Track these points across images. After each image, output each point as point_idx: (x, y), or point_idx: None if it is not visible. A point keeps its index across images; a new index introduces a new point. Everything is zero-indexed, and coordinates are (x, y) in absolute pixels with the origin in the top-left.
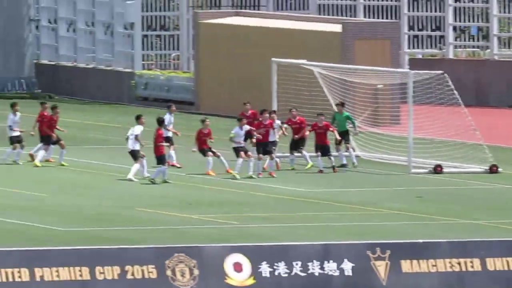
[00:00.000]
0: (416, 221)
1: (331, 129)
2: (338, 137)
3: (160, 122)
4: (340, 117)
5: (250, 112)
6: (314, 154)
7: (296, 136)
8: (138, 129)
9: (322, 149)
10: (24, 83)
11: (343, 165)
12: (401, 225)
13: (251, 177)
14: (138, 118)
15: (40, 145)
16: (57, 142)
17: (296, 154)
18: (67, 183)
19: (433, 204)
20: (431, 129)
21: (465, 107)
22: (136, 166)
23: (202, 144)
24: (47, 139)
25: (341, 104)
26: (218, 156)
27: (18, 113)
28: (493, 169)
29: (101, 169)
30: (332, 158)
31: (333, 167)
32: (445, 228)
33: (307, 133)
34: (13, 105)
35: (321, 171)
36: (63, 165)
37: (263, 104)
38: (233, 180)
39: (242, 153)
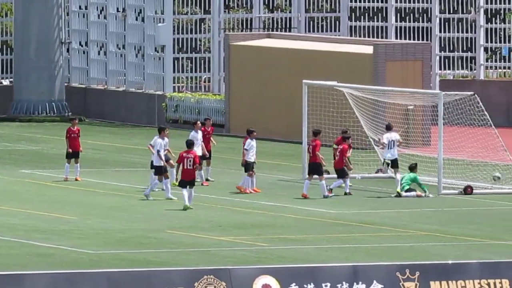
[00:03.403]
0: (446, 242)
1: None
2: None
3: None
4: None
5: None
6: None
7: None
8: (161, 143)
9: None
10: (54, 106)
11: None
12: (431, 246)
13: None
14: (161, 131)
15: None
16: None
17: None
18: (97, 205)
19: (463, 225)
20: (462, 150)
21: (496, 128)
22: (168, 183)
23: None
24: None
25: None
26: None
27: (166, 138)
28: None
29: (131, 192)
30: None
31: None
32: (475, 249)
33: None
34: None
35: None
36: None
37: (295, 125)
38: (262, 202)
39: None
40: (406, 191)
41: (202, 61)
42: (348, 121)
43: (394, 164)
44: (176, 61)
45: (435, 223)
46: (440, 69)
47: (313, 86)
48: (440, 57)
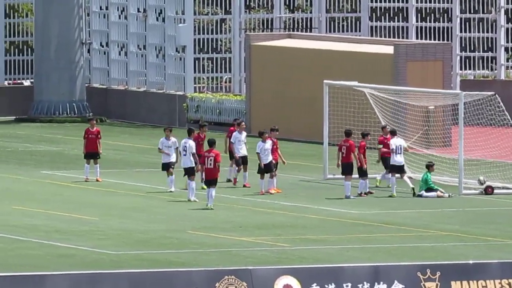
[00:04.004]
0: (467, 242)
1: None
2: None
3: (211, 143)
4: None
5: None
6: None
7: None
8: (193, 145)
9: (360, 170)
10: (75, 107)
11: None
12: (452, 246)
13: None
14: (191, 133)
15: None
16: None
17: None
18: (118, 206)
19: (484, 225)
20: (482, 150)
21: None
22: (192, 184)
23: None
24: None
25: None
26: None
27: (172, 138)
28: None
29: (151, 192)
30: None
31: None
32: (496, 249)
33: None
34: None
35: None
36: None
37: (316, 125)
38: (282, 203)
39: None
40: (427, 190)
41: (223, 61)
42: (369, 121)
43: (401, 170)
44: (197, 62)
45: (456, 223)
46: (461, 69)
47: (334, 86)
48: (460, 57)
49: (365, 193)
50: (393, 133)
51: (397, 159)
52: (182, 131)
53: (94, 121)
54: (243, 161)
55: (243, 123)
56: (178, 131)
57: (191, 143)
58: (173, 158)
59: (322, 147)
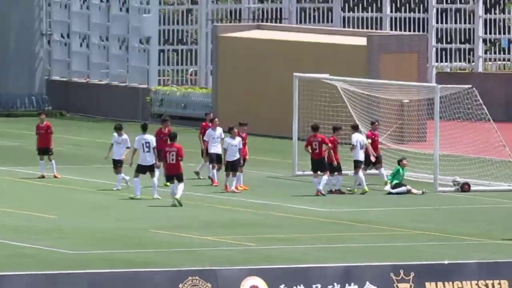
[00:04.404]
0: (442, 241)
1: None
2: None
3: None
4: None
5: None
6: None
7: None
8: (154, 140)
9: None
10: (34, 100)
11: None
12: (426, 246)
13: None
14: (145, 128)
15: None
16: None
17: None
18: (78, 203)
19: (460, 223)
20: (459, 145)
21: (494, 122)
22: (155, 181)
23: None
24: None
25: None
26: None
27: (124, 135)
28: None
29: (113, 189)
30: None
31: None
32: (472, 249)
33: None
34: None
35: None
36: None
37: (285, 120)
38: (250, 200)
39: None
40: (394, 187)
41: (189, 53)
42: (340, 116)
43: (362, 164)
44: (161, 54)
45: (431, 222)
46: (437, 61)
47: (304, 79)
48: (437, 49)
49: (336, 191)
50: (355, 128)
51: (360, 155)
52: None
53: (43, 115)
54: (217, 159)
55: (216, 119)
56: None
57: (152, 138)
58: (121, 155)
59: (291, 141)
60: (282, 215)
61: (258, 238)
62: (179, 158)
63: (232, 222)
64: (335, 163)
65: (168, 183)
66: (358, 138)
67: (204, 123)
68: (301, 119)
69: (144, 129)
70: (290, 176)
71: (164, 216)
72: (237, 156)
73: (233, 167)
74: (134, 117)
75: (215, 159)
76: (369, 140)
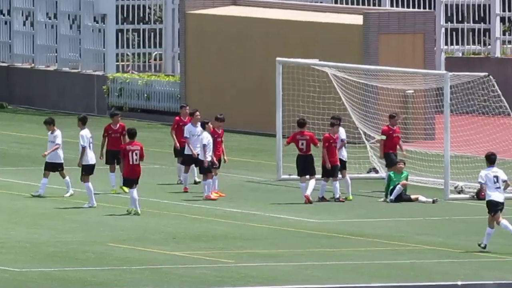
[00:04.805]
0: (454, 258)
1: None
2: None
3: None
4: (399, 177)
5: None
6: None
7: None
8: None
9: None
10: None
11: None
12: (436, 264)
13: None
14: (85, 122)
15: None
16: None
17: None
18: (24, 212)
19: (475, 237)
20: (473, 144)
21: None
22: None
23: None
24: None
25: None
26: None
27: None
28: None
29: (65, 195)
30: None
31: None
32: (490, 267)
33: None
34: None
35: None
36: None
37: (266, 112)
38: (226, 209)
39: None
40: (391, 193)
41: (152, 33)
42: (332, 108)
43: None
44: (120, 34)
45: (441, 235)
46: (446, 44)
47: (289, 64)
48: (446, 29)
49: (332, 198)
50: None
51: (345, 153)
52: (102, 121)
53: None
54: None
55: (197, 112)
56: (96, 120)
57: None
58: (58, 157)
59: (275, 140)
60: (264, 227)
61: (236, 254)
62: (141, 159)
63: (205, 235)
64: (329, 165)
65: (125, 188)
66: (341, 135)
67: (177, 117)
68: (286, 113)
69: (84, 123)
70: (274, 181)
71: (125, 227)
72: (199, 147)
73: (206, 169)
74: (87, 110)
75: (191, 162)
76: (383, 137)
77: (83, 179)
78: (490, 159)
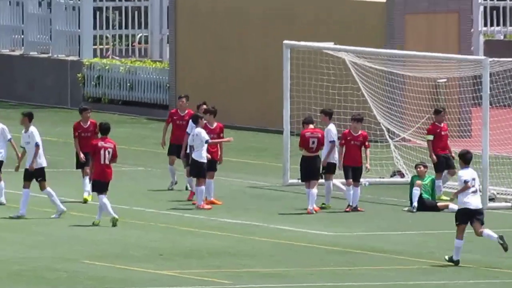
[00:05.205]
0: (493, 278)
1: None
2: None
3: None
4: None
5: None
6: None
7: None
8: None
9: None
10: None
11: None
12: (472, 285)
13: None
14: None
15: None
16: None
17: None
18: None
19: None
20: None
21: None
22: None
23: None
24: None
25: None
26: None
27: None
28: None
29: (32, 204)
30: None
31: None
32: None
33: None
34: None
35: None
36: None
37: (271, 106)
38: (222, 220)
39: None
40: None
41: (136, 12)
42: (350, 101)
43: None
44: (97, 12)
45: (477, 252)
46: (485, 25)
47: (298, 48)
48: (485, 8)
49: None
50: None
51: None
52: (75, 114)
53: None
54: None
55: (204, 105)
56: (70, 114)
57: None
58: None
59: (281, 137)
60: (268, 241)
61: (234, 273)
62: (114, 159)
63: (198, 251)
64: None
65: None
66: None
67: (173, 110)
68: (294, 106)
69: (31, 119)
70: (280, 186)
71: (102, 242)
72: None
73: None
74: (60, 102)
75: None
76: (430, 137)
77: (42, 186)
78: (466, 158)
